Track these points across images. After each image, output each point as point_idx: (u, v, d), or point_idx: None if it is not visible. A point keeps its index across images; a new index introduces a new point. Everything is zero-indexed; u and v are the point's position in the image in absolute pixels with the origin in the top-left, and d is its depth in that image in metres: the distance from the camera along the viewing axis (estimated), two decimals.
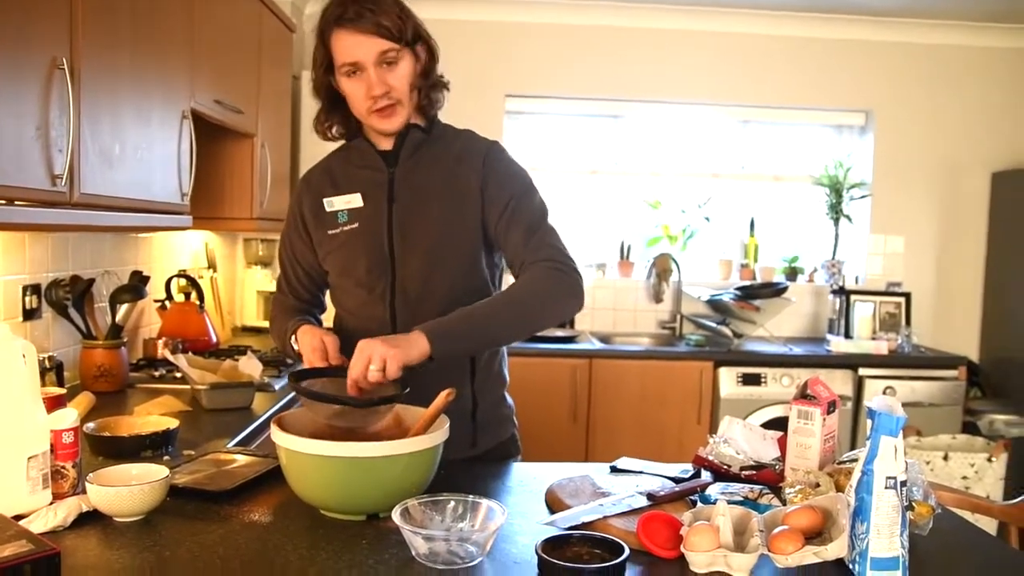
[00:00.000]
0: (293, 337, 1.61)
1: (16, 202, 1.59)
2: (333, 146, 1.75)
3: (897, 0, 4.08)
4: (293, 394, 2.17)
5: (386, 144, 1.64)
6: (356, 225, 1.63)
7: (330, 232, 1.65)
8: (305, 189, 1.71)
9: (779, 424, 2.97)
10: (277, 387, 2.46)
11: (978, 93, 4.51)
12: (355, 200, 1.64)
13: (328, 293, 1.80)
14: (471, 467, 1.63)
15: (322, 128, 1.66)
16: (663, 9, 4.30)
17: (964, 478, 3.32)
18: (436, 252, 1.61)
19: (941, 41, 4.46)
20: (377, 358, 1.36)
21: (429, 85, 1.62)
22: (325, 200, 1.66)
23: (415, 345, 1.40)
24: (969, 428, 3.87)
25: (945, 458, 3.33)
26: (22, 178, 1.57)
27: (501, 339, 1.59)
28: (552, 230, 1.63)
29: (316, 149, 1.79)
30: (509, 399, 1.81)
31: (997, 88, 4.51)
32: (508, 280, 1.68)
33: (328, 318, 1.79)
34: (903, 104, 4.49)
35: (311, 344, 1.53)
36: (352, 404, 1.36)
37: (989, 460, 3.31)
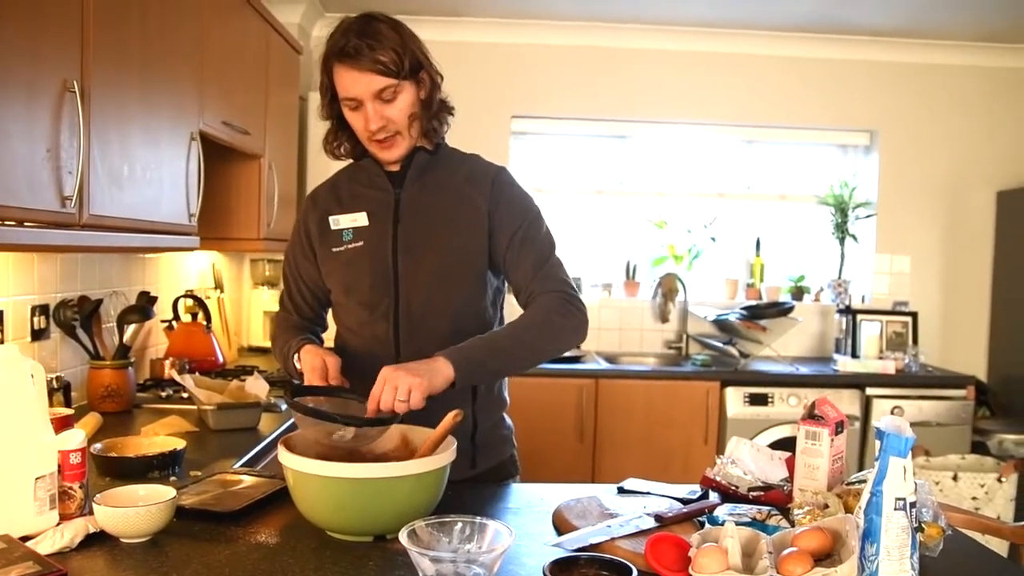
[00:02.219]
0: (296, 356, 1.61)
1: (26, 223, 1.60)
2: (340, 166, 1.76)
3: (901, 20, 4.10)
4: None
5: (393, 165, 1.65)
6: (361, 244, 1.64)
7: (334, 250, 1.66)
8: (311, 206, 1.72)
9: (786, 444, 2.94)
10: (284, 407, 2.45)
11: (982, 112, 4.52)
12: (360, 219, 1.65)
13: (330, 311, 1.80)
14: (478, 488, 1.62)
15: (331, 148, 1.69)
16: (668, 30, 4.33)
17: (974, 499, 3.30)
18: (440, 273, 1.62)
19: (945, 61, 4.48)
20: (403, 388, 1.36)
21: (431, 114, 1.62)
22: (331, 218, 1.67)
23: (439, 373, 1.41)
24: (978, 448, 3.84)
25: (954, 479, 3.31)
26: (32, 199, 1.58)
27: (516, 368, 1.60)
28: (560, 263, 1.65)
29: (323, 169, 1.80)
30: (508, 420, 1.82)
31: (1001, 107, 4.53)
32: (509, 302, 1.68)
33: (329, 336, 1.80)
34: (908, 124, 4.50)
35: (312, 363, 1.54)
36: (344, 423, 1.35)
37: (999, 480, 3.29)
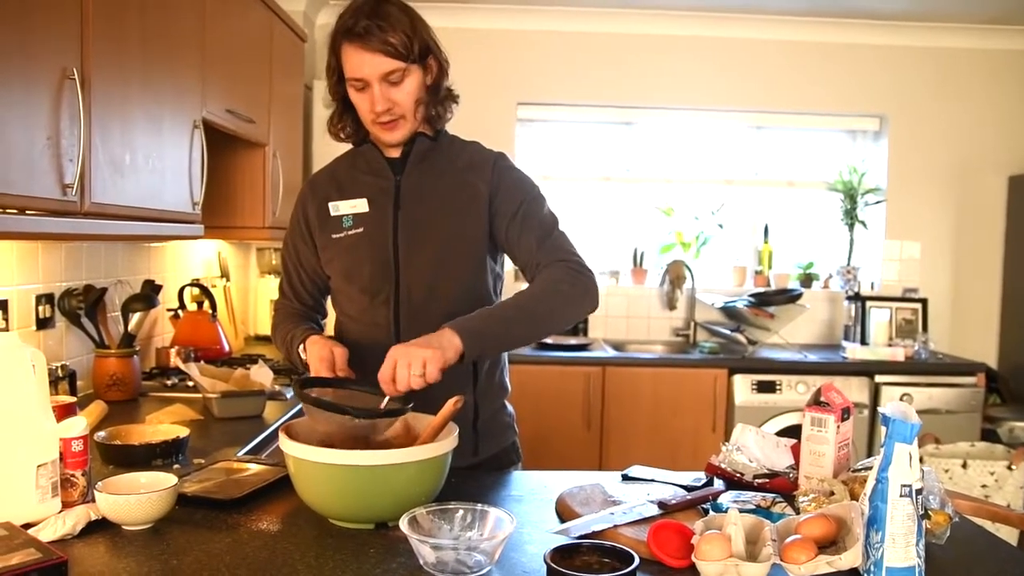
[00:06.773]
0: (301, 346, 1.61)
1: (27, 212, 1.60)
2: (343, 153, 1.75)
3: (908, 4, 4.05)
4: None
5: (394, 151, 1.64)
6: (361, 230, 1.63)
7: (334, 236, 1.65)
8: (310, 193, 1.71)
9: (795, 432, 2.92)
10: (288, 396, 2.45)
11: (992, 96, 4.47)
12: (361, 205, 1.64)
13: (329, 298, 1.79)
14: (480, 475, 1.62)
15: (335, 130, 1.68)
16: (675, 16, 4.29)
17: (984, 486, 3.27)
18: (441, 259, 1.61)
19: (954, 44, 4.43)
20: (417, 363, 1.34)
21: (437, 100, 1.62)
22: (330, 204, 1.66)
23: (451, 345, 1.39)
24: (988, 435, 3.81)
25: (964, 466, 3.29)
26: (33, 188, 1.58)
27: (526, 338, 1.57)
28: (564, 235, 1.64)
29: (328, 157, 1.79)
30: (510, 407, 1.81)
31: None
32: (507, 289, 1.67)
33: (328, 324, 1.79)
34: (917, 108, 4.46)
35: (319, 354, 1.53)
36: (355, 415, 1.34)
37: (1009, 468, 3.26)
